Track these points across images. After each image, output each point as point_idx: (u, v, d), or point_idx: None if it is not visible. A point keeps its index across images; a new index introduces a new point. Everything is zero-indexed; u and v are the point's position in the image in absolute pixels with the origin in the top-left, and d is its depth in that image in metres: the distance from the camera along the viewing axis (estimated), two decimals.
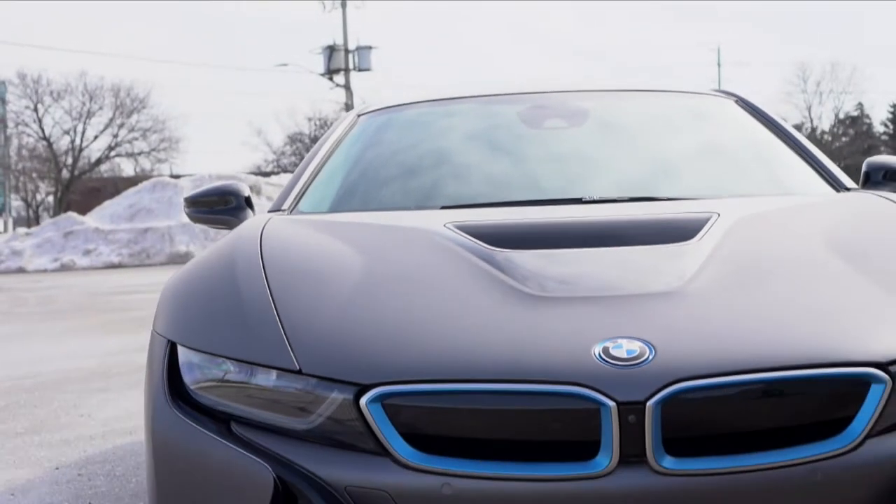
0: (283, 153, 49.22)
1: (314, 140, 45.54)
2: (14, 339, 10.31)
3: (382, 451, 2.21)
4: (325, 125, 45.45)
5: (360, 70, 46.56)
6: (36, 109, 57.44)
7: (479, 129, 4.06)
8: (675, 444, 2.16)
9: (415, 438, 2.21)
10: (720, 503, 2.14)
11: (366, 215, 3.35)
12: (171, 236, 28.74)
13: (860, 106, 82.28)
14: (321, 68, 46.66)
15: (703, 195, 3.41)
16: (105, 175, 58.78)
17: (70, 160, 58.00)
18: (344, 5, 47.21)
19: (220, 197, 3.82)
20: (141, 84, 67.80)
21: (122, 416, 5.95)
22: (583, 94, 4.32)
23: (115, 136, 58.30)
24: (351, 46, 46.64)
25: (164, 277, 19.74)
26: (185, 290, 2.76)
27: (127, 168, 60.77)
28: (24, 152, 58.85)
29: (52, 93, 57.46)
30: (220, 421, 2.42)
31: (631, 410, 2.12)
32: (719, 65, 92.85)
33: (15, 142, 58.53)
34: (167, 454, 2.47)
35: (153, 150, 59.24)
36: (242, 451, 2.32)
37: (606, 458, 2.13)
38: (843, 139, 79.56)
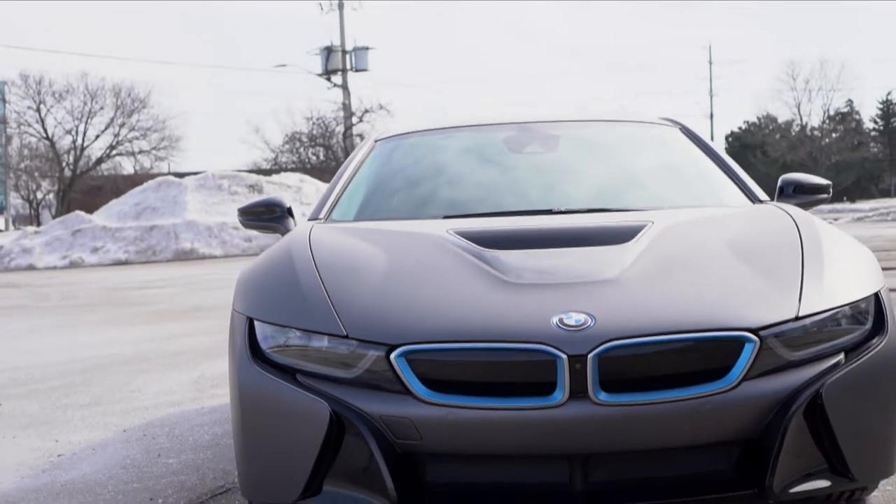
0: (281, 151, 50.09)
1: (312, 139, 46.55)
2: (50, 330, 11.29)
3: (406, 392, 3.19)
4: (323, 125, 46.36)
5: (357, 70, 47.61)
6: (38, 110, 58.34)
7: (473, 153, 5.10)
8: (610, 383, 3.14)
9: (429, 382, 3.18)
10: (639, 424, 3.13)
11: (384, 223, 4.35)
12: (177, 233, 29.62)
13: (850, 102, 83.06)
14: (319, 69, 47.68)
15: (646, 207, 4.42)
16: (106, 173, 59.69)
17: (72, 159, 58.91)
18: (341, 7, 48.25)
19: (267, 208, 4.81)
20: (141, 84, 68.71)
21: (168, 392, 6.93)
22: (555, 124, 5.37)
23: (116, 135, 59.27)
24: (348, 47, 47.70)
25: (172, 273, 20.71)
26: (256, 278, 3.75)
27: (127, 167, 61.69)
28: (27, 152, 59.70)
29: (54, 93, 58.42)
30: (288, 373, 3.39)
31: (577, 361, 3.11)
32: (710, 63, 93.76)
33: (17, 141, 59.33)
34: (251, 399, 3.43)
35: (154, 148, 60.19)
36: (306, 393, 3.29)
37: (560, 394, 3.11)
38: (833, 135, 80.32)
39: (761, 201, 4.56)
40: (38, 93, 58.17)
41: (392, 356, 3.21)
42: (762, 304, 3.30)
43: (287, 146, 48.68)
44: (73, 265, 28.09)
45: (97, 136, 59.34)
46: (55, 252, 29.37)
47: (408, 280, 3.55)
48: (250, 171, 40.04)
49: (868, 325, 3.43)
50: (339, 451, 3.26)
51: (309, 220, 4.62)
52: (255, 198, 28.02)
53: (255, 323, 3.53)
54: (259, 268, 3.85)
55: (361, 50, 47.55)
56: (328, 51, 47.26)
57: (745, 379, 3.18)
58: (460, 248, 3.72)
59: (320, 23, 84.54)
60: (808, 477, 3.25)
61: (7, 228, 61.79)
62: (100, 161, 59.88)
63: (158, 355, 8.72)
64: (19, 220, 72.09)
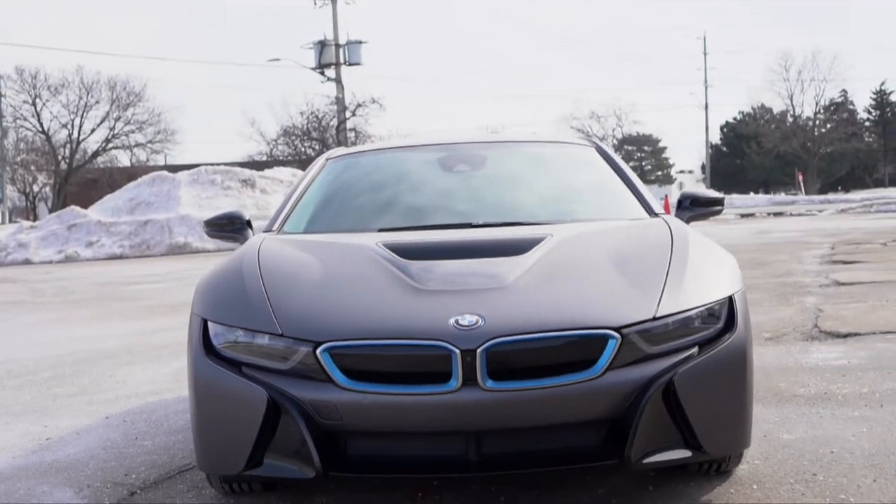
0: (276, 144, 50.69)
1: (306, 132, 47.19)
2: (46, 324, 12.00)
3: (330, 380, 3.89)
4: (317, 118, 46.98)
5: (350, 64, 48.31)
6: (34, 104, 59.01)
7: (409, 172, 5.82)
8: (497, 373, 3.83)
9: (348, 372, 3.88)
10: (521, 407, 3.83)
11: (326, 236, 5.05)
12: (171, 228, 30.23)
13: (844, 93, 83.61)
14: (313, 63, 48.34)
15: (552, 220, 5.11)
16: (102, 167, 60.42)
17: (68, 153, 59.60)
18: (334, 1, 48.91)
19: (229, 221, 5.52)
20: (137, 78, 69.40)
21: (149, 382, 7.63)
22: (485, 145, 6.13)
23: (112, 129, 60.04)
24: (341, 41, 48.35)
25: (165, 268, 21.41)
26: (211, 285, 4.45)
27: (123, 160, 62.40)
28: (23, 145, 60.39)
29: (49, 87, 59.14)
30: (235, 366, 4.09)
31: (468, 355, 3.81)
32: (705, 53, 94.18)
33: (13, 135, 60.00)
34: (205, 388, 4.13)
35: (149, 142, 61.02)
36: (249, 382, 3.99)
37: (455, 382, 3.81)
38: (828, 125, 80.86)
39: (656, 215, 5.24)
40: (34, 87, 58.90)
41: (318, 351, 3.91)
42: (625, 307, 4.00)
43: (283, 139, 49.33)
44: (69, 259, 28.69)
45: (93, 130, 60.21)
46: (51, 247, 29.96)
47: (335, 286, 4.25)
48: (244, 165, 40.69)
49: (720, 324, 4.12)
50: (276, 431, 3.97)
51: (263, 231, 5.31)
52: (248, 192, 28.50)
53: (209, 323, 4.22)
54: (213, 276, 4.55)
55: (354, 44, 48.22)
56: (321, 45, 47.93)
57: (609, 369, 3.87)
58: (383, 258, 4.41)
59: (314, 16, 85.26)
60: (664, 450, 3.95)
61: (4, 222, 62.49)
62: (96, 154, 60.67)
63: (143, 348, 9.42)
64: (16, 213, 72.75)
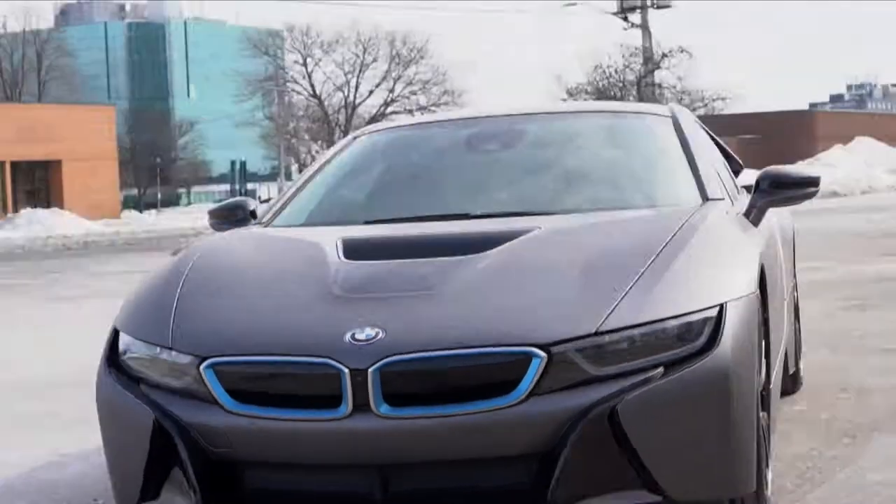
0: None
1: (600, 92, 47.06)
2: None
3: (215, 402, 3.94)
4: (615, 74, 46.78)
5: (658, 7, 47.82)
6: (305, 64, 61.67)
7: (428, 153, 5.75)
8: (396, 397, 3.77)
9: (235, 393, 3.91)
10: (424, 439, 3.75)
11: (303, 230, 5.09)
12: None
13: None
14: (614, 7, 48.20)
15: (567, 210, 4.94)
16: None
17: (342, 119, 61.99)
18: None
19: (232, 211, 5.62)
20: (419, 33, 70.99)
21: None
22: (530, 117, 6.05)
23: (391, 90, 61.85)
24: None
25: None
26: (133, 292, 4.59)
27: None
28: (295, 111, 63.22)
29: (322, 44, 61.54)
30: (134, 381, 4.21)
31: (358, 374, 3.76)
32: None
33: (287, 100, 62.90)
34: (105, 408, 4.26)
35: (433, 104, 62.32)
36: (138, 401, 4.09)
37: (345, 407, 3.76)
38: None
39: (708, 200, 4.96)
40: (305, 45, 61.51)
41: (201, 367, 3.97)
42: (561, 320, 3.83)
43: (579, 98, 49.28)
44: None
45: (370, 92, 62.26)
46: None
47: (249, 293, 4.28)
48: None
49: (700, 340, 3.87)
50: (172, 458, 4.07)
51: (253, 223, 5.39)
52: None
53: (120, 334, 4.37)
54: (139, 283, 4.69)
55: None
56: None
57: (533, 394, 3.73)
58: (324, 259, 4.39)
59: None
60: (613, 491, 3.78)
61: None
62: (373, 120, 62.73)
63: None
64: None
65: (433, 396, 3.78)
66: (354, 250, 4.46)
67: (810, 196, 5.25)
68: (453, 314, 3.91)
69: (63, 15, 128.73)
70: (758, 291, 4.26)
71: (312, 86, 62.27)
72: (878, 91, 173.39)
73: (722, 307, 3.95)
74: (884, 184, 44.87)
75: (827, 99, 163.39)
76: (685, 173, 5.17)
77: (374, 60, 61.92)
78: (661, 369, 3.82)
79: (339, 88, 62.33)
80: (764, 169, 5.24)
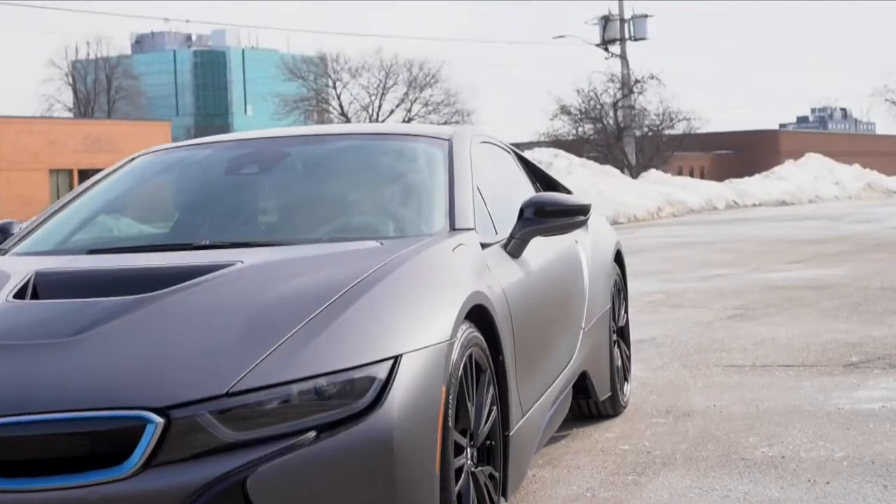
0: (560, 120, 48.73)
1: (583, 113, 45.78)
2: None
3: None
4: (595, 97, 45.50)
5: (635, 39, 46.62)
6: (334, 86, 60.92)
7: (188, 176, 4.72)
8: (14, 465, 2.79)
9: None
10: None
11: (13, 260, 4.02)
12: None
13: None
14: (598, 39, 47.02)
15: (301, 240, 3.92)
16: None
17: None
18: None
19: None
20: (433, 60, 70.15)
21: None
22: (299, 139, 5.00)
23: (409, 111, 60.95)
24: (626, 16, 46.75)
25: None
26: None
27: None
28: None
29: (349, 70, 60.76)
30: None
31: None
32: None
33: (315, 118, 62.29)
34: None
35: (445, 122, 61.49)
36: None
37: None
38: None
39: (457, 230, 3.95)
40: (335, 70, 60.75)
41: None
42: (189, 378, 2.86)
43: (562, 118, 47.90)
44: None
45: (391, 112, 61.31)
46: None
47: None
48: (540, 144, 39.74)
49: (365, 399, 2.90)
50: None
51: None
52: None
53: None
54: None
55: (640, 18, 46.52)
56: (606, 20, 46.55)
57: (149, 466, 2.76)
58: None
59: None
60: None
61: None
62: None
63: None
64: None
65: (49, 466, 2.81)
66: (45, 287, 3.47)
67: (579, 225, 4.25)
68: (74, 368, 2.94)
69: (138, 43, 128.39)
70: (467, 337, 3.29)
71: (341, 105, 61.45)
72: (837, 114, 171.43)
73: (396, 361, 2.97)
74: (830, 194, 43.72)
75: (794, 120, 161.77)
76: (440, 201, 4.15)
77: (395, 84, 61.12)
78: (312, 434, 2.83)
79: (364, 108, 61.47)
80: (530, 196, 4.24)
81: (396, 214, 4.19)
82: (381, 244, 3.75)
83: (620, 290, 5.94)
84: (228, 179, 4.59)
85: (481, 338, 3.47)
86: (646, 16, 46.63)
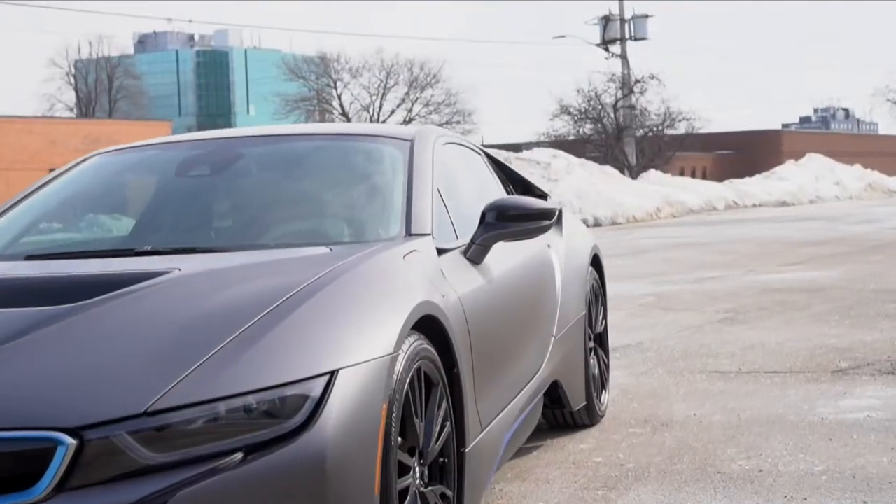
0: (560, 119, 48.27)
1: (582, 112, 45.47)
2: None
3: None
4: (595, 97, 45.17)
5: (635, 39, 46.39)
6: (335, 86, 60.72)
7: (138, 177, 4.53)
8: None
9: None
10: None
11: None
12: None
13: None
14: (598, 39, 46.77)
15: (246, 246, 3.73)
16: None
17: None
18: None
19: None
20: (433, 61, 69.93)
21: None
22: (254, 139, 4.71)
23: (409, 110, 60.74)
24: (627, 16, 46.51)
25: None
26: None
27: None
28: None
29: (350, 70, 60.56)
30: None
31: None
32: None
33: (316, 118, 62.08)
34: None
35: (447, 122, 61.26)
36: None
37: None
38: None
39: (413, 235, 3.75)
40: (336, 70, 60.54)
41: None
42: (105, 396, 2.65)
43: (562, 118, 47.52)
44: None
45: (392, 112, 61.10)
46: None
47: None
48: (539, 145, 39.44)
49: (298, 418, 2.70)
50: None
51: None
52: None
53: None
54: None
55: (640, 18, 46.29)
56: (606, 20, 46.31)
57: (61, 489, 2.56)
58: None
59: None
60: None
61: None
62: None
63: None
64: None
65: None
66: None
67: (543, 230, 4.05)
68: None
69: (140, 43, 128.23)
70: (415, 350, 3.10)
71: (342, 105, 61.23)
72: (840, 114, 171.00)
73: (332, 377, 2.77)
74: (831, 194, 43.50)
75: (797, 120, 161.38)
76: (397, 205, 3.94)
77: (395, 84, 60.89)
78: (239, 455, 2.64)
79: (365, 108, 61.26)
80: (493, 200, 4.03)
81: (351, 219, 3.99)
82: (331, 250, 3.55)
83: (598, 296, 5.75)
84: (178, 182, 4.39)
85: (432, 350, 3.27)
86: (646, 16, 46.41)
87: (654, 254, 17.38)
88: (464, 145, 4.94)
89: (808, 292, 10.69)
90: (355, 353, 2.85)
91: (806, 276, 12.45)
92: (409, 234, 3.74)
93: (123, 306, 3.02)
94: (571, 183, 30.74)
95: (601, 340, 5.77)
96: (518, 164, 32.22)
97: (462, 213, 4.17)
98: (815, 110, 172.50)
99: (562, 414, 5.23)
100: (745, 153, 76.54)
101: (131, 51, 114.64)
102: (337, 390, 2.75)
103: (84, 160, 4.65)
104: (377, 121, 60.74)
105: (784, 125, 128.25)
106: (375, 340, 2.94)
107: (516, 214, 3.94)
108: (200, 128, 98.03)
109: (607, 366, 5.82)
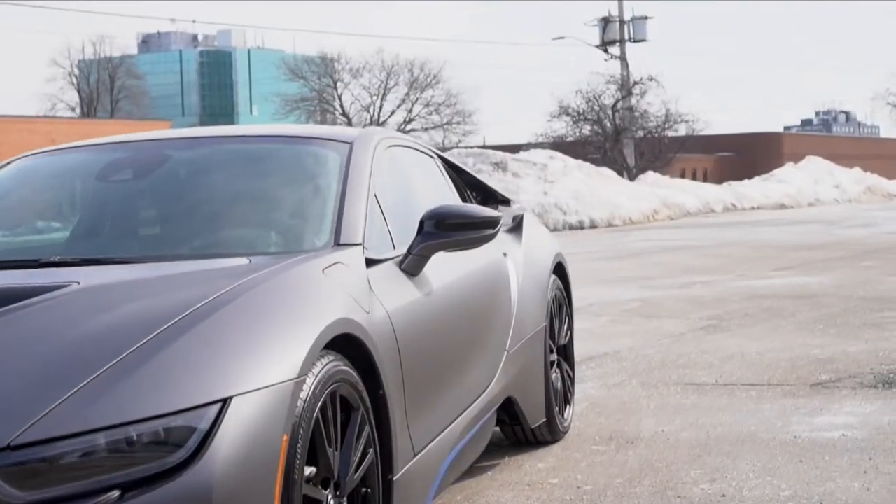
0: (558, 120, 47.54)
1: (580, 113, 45.03)
2: None
3: None
4: (594, 98, 44.70)
5: (635, 41, 46.06)
6: (335, 87, 60.45)
7: (57, 181, 4.25)
8: None
9: None
10: None
11: None
12: None
13: None
14: (598, 41, 46.44)
15: (160, 256, 3.45)
16: None
17: None
18: None
19: None
20: (434, 61, 69.38)
21: None
22: (184, 142, 4.38)
23: (410, 111, 60.46)
24: (626, 17, 46.18)
25: None
26: None
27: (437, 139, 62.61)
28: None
29: (350, 70, 60.28)
30: None
31: None
32: None
33: (318, 118, 61.84)
34: None
35: (447, 123, 60.97)
36: None
37: None
38: None
39: (342, 245, 3.46)
40: (336, 71, 60.26)
41: None
42: None
43: (561, 119, 46.97)
44: None
45: (392, 112, 60.83)
46: None
47: None
48: (540, 146, 39.03)
49: (178, 453, 2.42)
50: None
51: None
52: (499, 175, 27.20)
53: None
54: None
55: (640, 20, 45.95)
56: (605, 21, 45.98)
57: None
58: None
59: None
60: None
61: None
62: None
63: None
64: None
65: None
66: None
67: (486, 239, 3.76)
68: None
69: (144, 43, 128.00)
70: (328, 372, 2.82)
71: (342, 106, 60.95)
72: (841, 117, 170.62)
73: (224, 405, 2.49)
74: (830, 197, 43.19)
75: (798, 122, 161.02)
76: (328, 212, 3.65)
77: (396, 84, 60.55)
78: (115, 493, 2.36)
79: (366, 109, 60.99)
80: (431, 207, 3.74)
81: (278, 227, 3.71)
82: (250, 262, 3.27)
83: (563, 306, 5.46)
84: (99, 187, 4.11)
85: (352, 371, 3.00)
86: (645, 17, 46.05)
87: (646, 257, 17.10)
88: (415, 148, 4.66)
89: (797, 299, 10.41)
90: (253, 378, 2.58)
91: (796, 281, 12.17)
92: (338, 243, 3.46)
93: (8, 324, 2.75)
94: (568, 184, 30.42)
95: (566, 353, 5.49)
96: (515, 164, 31.93)
97: (403, 222, 3.89)
98: (817, 113, 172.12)
99: (521, 430, 4.95)
100: (745, 155, 76.35)
101: (135, 51, 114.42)
102: (229, 420, 2.48)
103: (8, 163, 4.37)
104: (377, 121, 60.46)
105: (786, 127, 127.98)
106: (278, 363, 2.66)
107: (457, 223, 3.65)
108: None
109: (572, 379, 5.54)
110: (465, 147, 33.93)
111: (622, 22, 46.09)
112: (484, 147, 42.31)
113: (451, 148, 39.53)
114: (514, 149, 36.49)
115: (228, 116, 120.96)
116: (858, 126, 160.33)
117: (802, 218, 29.21)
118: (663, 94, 49.42)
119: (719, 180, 52.88)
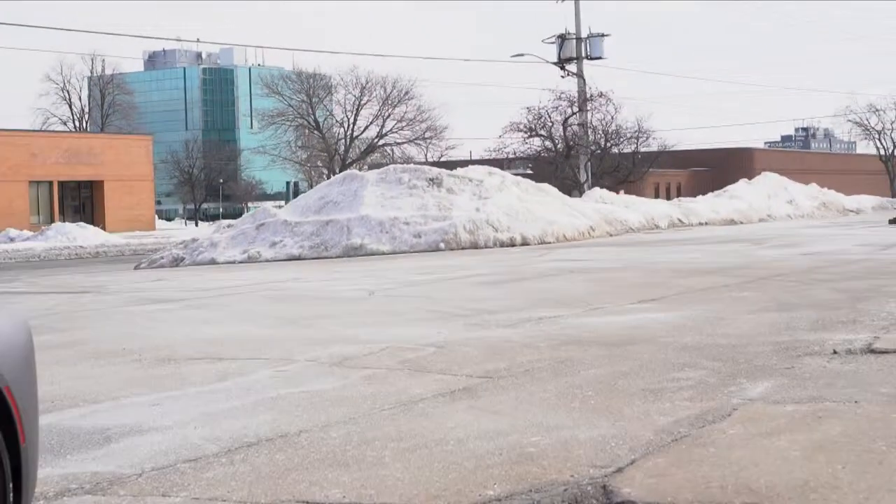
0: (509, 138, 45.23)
1: (530, 130, 42.93)
2: None
3: None
4: (546, 115, 42.67)
5: (591, 58, 43.93)
6: (310, 103, 58.66)
7: None
8: None
9: None
10: None
11: None
12: (349, 228, 27.75)
13: None
14: (555, 58, 44.35)
15: None
16: (372, 162, 59.39)
17: (342, 149, 58.91)
18: None
19: None
20: (405, 78, 67.56)
21: None
22: None
23: (381, 126, 58.63)
24: (583, 34, 44.07)
25: (281, 275, 18.44)
26: None
27: (414, 154, 60.69)
28: (301, 142, 60.56)
29: (324, 86, 58.49)
30: None
31: None
32: None
33: (292, 133, 60.22)
34: None
35: (418, 137, 59.11)
36: None
37: None
38: None
39: None
40: (311, 86, 58.46)
41: None
42: None
43: (510, 136, 44.63)
44: (251, 260, 26.85)
45: (365, 127, 59.04)
46: (238, 246, 28.26)
47: None
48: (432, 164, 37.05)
49: None
50: None
51: None
52: (434, 192, 25.20)
53: None
54: None
55: (596, 37, 43.82)
56: (562, 39, 43.85)
57: None
58: None
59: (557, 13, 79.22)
60: None
61: None
62: (368, 151, 59.54)
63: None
64: None
65: None
66: None
67: None
68: None
69: (150, 60, 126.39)
70: None
71: (316, 121, 58.88)
72: (819, 132, 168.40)
73: None
74: (783, 213, 41.22)
75: (779, 139, 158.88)
76: None
77: (369, 101, 58.50)
78: None
79: (340, 124, 58.96)
80: None
81: None
82: None
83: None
84: None
85: None
86: (602, 35, 43.85)
87: (530, 282, 15.05)
88: None
89: (611, 346, 8.33)
90: None
91: (641, 318, 10.09)
92: None
93: None
94: (501, 201, 28.39)
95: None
96: (450, 180, 29.91)
97: None
98: (797, 130, 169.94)
99: None
100: (719, 170, 74.55)
101: (135, 68, 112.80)
102: None
103: None
104: (350, 136, 58.61)
105: (768, 143, 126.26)
106: None
107: None
108: (205, 142, 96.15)
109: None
110: (403, 163, 31.82)
111: (579, 39, 43.95)
112: (440, 162, 40.35)
113: (390, 164, 37.29)
114: (450, 166, 34.50)
115: (230, 131, 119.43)
116: (830, 143, 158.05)
117: (735, 236, 27.14)
118: (638, 111, 47.60)
119: (693, 194, 51.07)
